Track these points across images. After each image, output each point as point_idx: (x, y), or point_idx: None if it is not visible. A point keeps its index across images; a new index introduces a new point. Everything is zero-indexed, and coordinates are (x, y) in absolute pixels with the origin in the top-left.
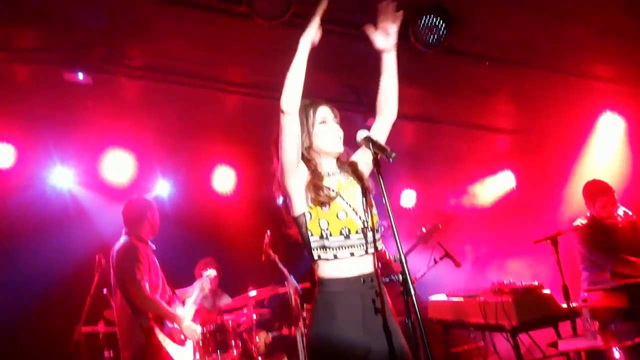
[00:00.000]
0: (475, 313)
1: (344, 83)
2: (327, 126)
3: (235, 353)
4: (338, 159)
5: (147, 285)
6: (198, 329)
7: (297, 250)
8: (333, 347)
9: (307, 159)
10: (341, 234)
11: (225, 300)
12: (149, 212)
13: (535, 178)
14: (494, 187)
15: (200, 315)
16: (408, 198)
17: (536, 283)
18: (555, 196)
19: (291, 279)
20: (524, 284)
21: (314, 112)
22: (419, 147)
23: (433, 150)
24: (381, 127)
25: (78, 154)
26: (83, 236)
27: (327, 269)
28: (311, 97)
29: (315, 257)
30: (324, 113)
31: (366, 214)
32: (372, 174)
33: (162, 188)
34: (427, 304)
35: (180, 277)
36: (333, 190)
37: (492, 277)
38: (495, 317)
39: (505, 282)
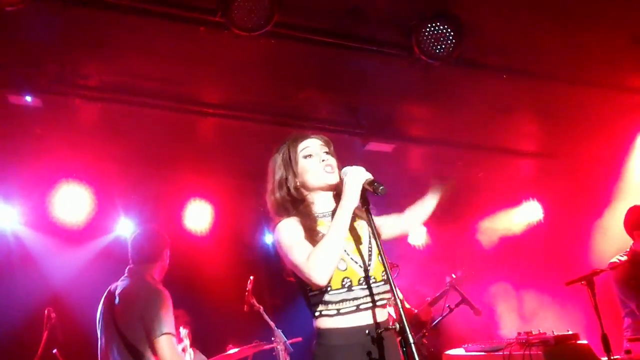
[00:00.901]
0: None
1: (341, 102)
2: (312, 159)
3: None
4: (338, 195)
5: (175, 340)
6: None
7: (285, 299)
8: None
9: (298, 199)
10: (343, 286)
11: None
12: (167, 249)
13: (565, 208)
14: (518, 219)
15: None
16: (417, 235)
17: (570, 332)
18: (589, 229)
19: (279, 334)
20: (555, 333)
21: (295, 149)
22: (429, 174)
23: (445, 178)
24: (394, 225)
25: (24, 189)
26: (29, 286)
27: (328, 321)
28: (295, 133)
29: (317, 314)
30: (306, 145)
31: (370, 262)
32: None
33: (124, 227)
34: None
35: None
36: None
37: (518, 326)
38: None
39: (533, 331)
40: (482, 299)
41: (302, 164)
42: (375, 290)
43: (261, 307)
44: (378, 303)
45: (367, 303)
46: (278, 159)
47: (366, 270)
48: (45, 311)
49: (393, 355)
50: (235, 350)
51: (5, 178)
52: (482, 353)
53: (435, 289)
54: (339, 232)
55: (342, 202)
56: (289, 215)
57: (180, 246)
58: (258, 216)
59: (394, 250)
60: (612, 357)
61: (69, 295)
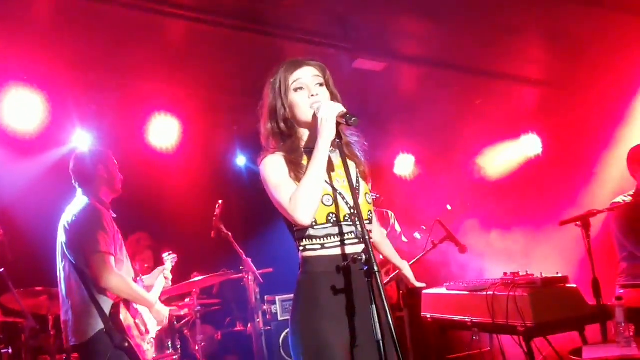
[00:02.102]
0: (481, 310)
1: (327, 12)
2: (302, 93)
3: (172, 353)
4: None
5: (112, 259)
6: (166, 311)
7: (257, 226)
8: (315, 340)
9: (287, 133)
10: (328, 221)
11: None
12: (101, 166)
13: (566, 143)
14: (515, 153)
15: None
16: (404, 165)
17: (559, 275)
18: (591, 166)
19: (249, 263)
20: (543, 275)
21: (286, 79)
22: (422, 99)
23: (439, 104)
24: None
25: None
26: None
27: (312, 254)
28: (291, 59)
29: (301, 248)
30: (300, 76)
31: (357, 199)
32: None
33: (80, 139)
34: (420, 298)
35: None
36: None
37: (504, 266)
38: (505, 316)
39: (520, 272)
40: (469, 236)
41: (292, 97)
42: (361, 227)
43: (230, 234)
44: (355, 241)
45: (352, 238)
46: (270, 88)
47: (351, 208)
48: None
49: (376, 284)
50: (200, 277)
51: None
52: (465, 292)
53: (421, 222)
54: (317, 171)
55: (318, 141)
56: (275, 148)
57: (142, 164)
58: (230, 135)
59: (378, 181)
60: (601, 303)
61: (18, 210)
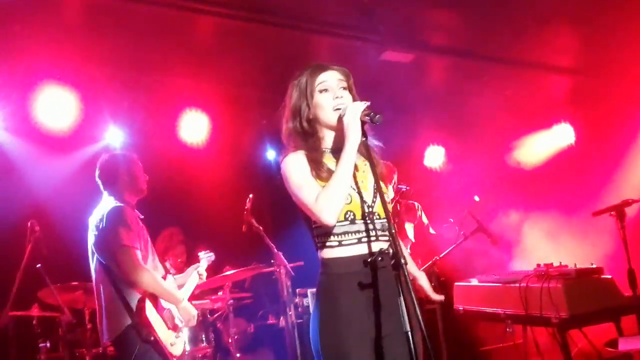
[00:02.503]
0: (514, 302)
1: (354, 4)
2: (327, 95)
3: (206, 347)
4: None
5: (139, 253)
6: (194, 310)
7: (288, 220)
8: (336, 339)
9: (310, 132)
10: (346, 218)
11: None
12: (123, 169)
13: (599, 133)
14: (547, 143)
15: None
16: (434, 156)
17: (594, 266)
18: (624, 156)
19: (280, 257)
20: (578, 266)
21: (312, 81)
22: (452, 90)
23: (470, 95)
24: None
25: (3, 91)
26: (11, 197)
27: (332, 251)
28: (317, 63)
29: (319, 245)
30: (325, 79)
31: (375, 198)
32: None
33: (113, 136)
34: (452, 290)
35: None
36: (330, 169)
37: (537, 257)
38: (539, 308)
39: (554, 264)
40: (501, 228)
41: (317, 98)
42: (378, 226)
43: (261, 228)
44: (381, 238)
45: (369, 237)
46: (295, 86)
47: (370, 206)
48: (29, 224)
49: (390, 283)
50: (232, 271)
51: None
52: (497, 284)
53: (451, 214)
54: (345, 173)
55: (346, 142)
56: (297, 147)
57: (173, 159)
58: (260, 129)
59: (408, 173)
60: (637, 294)
61: (53, 207)
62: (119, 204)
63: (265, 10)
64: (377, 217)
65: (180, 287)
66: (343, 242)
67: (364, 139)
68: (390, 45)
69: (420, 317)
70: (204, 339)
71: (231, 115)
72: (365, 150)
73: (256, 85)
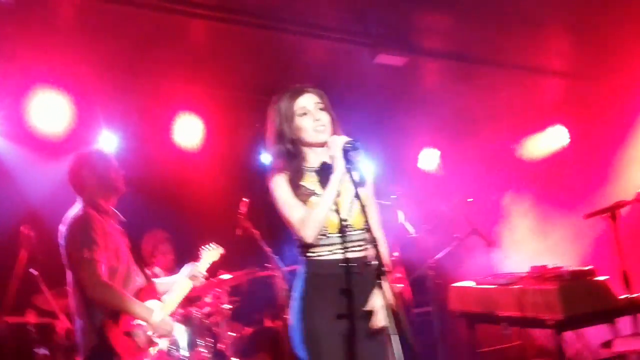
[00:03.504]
0: (510, 304)
1: (347, 7)
2: (307, 118)
3: (203, 351)
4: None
5: (102, 267)
6: (170, 325)
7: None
8: (315, 334)
9: (294, 153)
10: (320, 233)
11: None
12: (88, 171)
13: (593, 135)
14: (541, 145)
15: None
16: (429, 159)
17: (588, 267)
18: (617, 158)
19: (276, 260)
20: (572, 268)
21: (293, 105)
22: (444, 93)
23: (463, 98)
24: None
25: None
26: (4, 201)
27: (311, 257)
28: (293, 87)
29: (300, 253)
30: (304, 103)
31: (350, 212)
32: None
33: (106, 141)
34: (448, 293)
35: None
36: (308, 189)
37: (532, 259)
38: (534, 310)
39: (549, 265)
40: (495, 230)
41: (297, 122)
42: (350, 238)
43: (257, 232)
44: (352, 249)
45: (341, 249)
46: (276, 111)
47: (344, 220)
48: (22, 229)
49: (364, 288)
50: (228, 276)
51: None
52: (493, 286)
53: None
54: (327, 201)
55: (331, 176)
56: (282, 168)
57: (167, 163)
58: (254, 133)
59: (401, 176)
60: (631, 295)
61: (47, 211)
62: (82, 211)
63: (258, 14)
64: (352, 228)
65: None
66: (319, 253)
67: (348, 165)
68: (383, 48)
69: (401, 321)
70: (200, 343)
71: (225, 119)
72: (349, 172)
73: (250, 88)
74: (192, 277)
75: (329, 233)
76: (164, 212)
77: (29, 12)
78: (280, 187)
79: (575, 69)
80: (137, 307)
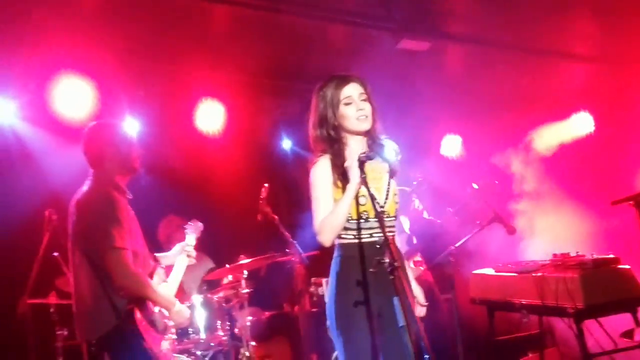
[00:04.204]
0: (531, 292)
1: None
2: (351, 107)
3: (221, 334)
4: (371, 138)
5: (129, 255)
6: (187, 312)
7: (303, 209)
8: (348, 312)
9: (335, 138)
10: (361, 217)
11: (207, 266)
12: (111, 144)
13: (619, 122)
14: (565, 132)
15: None
16: (451, 146)
17: (612, 256)
18: None
19: (295, 246)
20: (595, 256)
21: (339, 93)
22: (468, 79)
23: (486, 83)
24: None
25: (21, 81)
26: (29, 185)
27: (346, 240)
28: (340, 75)
29: (341, 237)
30: (349, 92)
31: (386, 200)
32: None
33: (130, 126)
34: (469, 280)
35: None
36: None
37: (554, 247)
38: (555, 298)
39: (571, 253)
40: (519, 217)
41: (342, 110)
42: (387, 224)
43: (276, 217)
44: (388, 234)
45: (379, 233)
46: (321, 97)
47: (381, 206)
48: (46, 213)
49: (400, 269)
50: (248, 260)
51: None
52: (514, 274)
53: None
54: (344, 208)
55: (348, 185)
56: (323, 151)
57: (190, 148)
58: (275, 118)
59: (424, 162)
60: None
61: (70, 195)
62: (103, 190)
63: None
64: (387, 215)
65: (167, 270)
66: (357, 236)
67: (364, 176)
68: (406, 33)
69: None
70: (219, 326)
71: (247, 105)
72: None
73: (272, 74)
74: (184, 252)
75: (369, 217)
76: (185, 197)
77: None
78: (320, 177)
79: (601, 54)
80: (161, 297)
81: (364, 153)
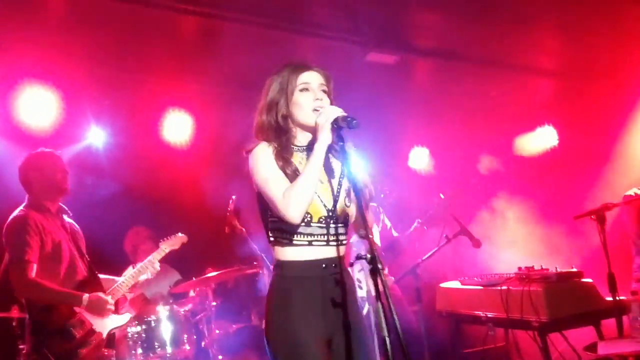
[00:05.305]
0: (496, 305)
1: (339, 5)
2: (307, 95)
3: (187, 348)
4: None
5: (34, 267)
6: (105, 303)
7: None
8: (288, 339)
9: (283, 129)
10: (302, 220)
11: (174, 279)
12: (33, 171)
13: (582, 135)
14: (530, 145)
15: (136, 305)
16: (418, 158)
17: (574, 269)
18: (606, 159)
19: (263, 258)
20: (558, 270)
21: (296, 78)
22: (435, 91)
23: (454, 96)
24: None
25: None
26: None
27: (285, 252)
28: (300, 61)
29: (271, 239)
30: (308, 79)
31: (336, 201)
32: None
33: (95, 136)
34: (435, 293)
35: (116, 254)
36: (294, 165)
37: (518, 260)
38: (520, 311)
39: (535, 267)
40: (482, 230)
41: (296, 97)
42: (333, 231)
43: (244, 230)
44: (332, 242)
45: (321, 241)
46: (275, 81)
47: (330, 210)
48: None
49: (346, 290)
50: (215, 273)
51: None
52: (479, 287)
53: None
54: (313, 172)
55: (316, 143)
56: (267, 140)
57: (156, 159)
58: (243, 129)
59: (392, 175)
60: (617, 298)
61: None
62: (20, 213)
63: (250, 11)
64: (334, 221)
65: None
66: (294, 242)
67: (341, 143)
68: (374, 46)
69: (398, 324)
70: (185, 340)
71: (215, 115)
72: (341, 154)
73: (240, 84)
74: (137, 275)
75: (312, 222)
76: (152, 208)
77: (19, 6)
78: (263, 157)
79: (565, 68)
80: (64, 296)
81: (346, 116)
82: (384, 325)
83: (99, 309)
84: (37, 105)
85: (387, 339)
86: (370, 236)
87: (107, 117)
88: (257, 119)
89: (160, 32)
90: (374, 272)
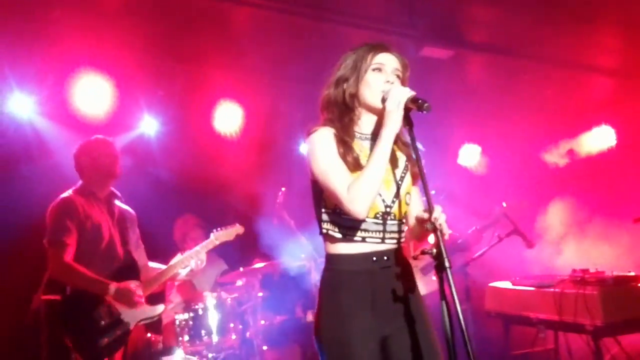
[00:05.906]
0: (548, 307)
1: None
2: (379, 75)
3: (233, 337)
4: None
5: (70, 251)
6: (131, 293)
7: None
8: (338, 333)
9: (348, 107)
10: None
11: (221, 268)
12: (84, 159)
13: None
14: (587, 145)
15: (184, 292)
16: (469, 155)
17: (632, 273)
18: None
19: (310, 250)
20: (615, 273)
21: (372, 57)
22: (489, 88)
23: (508, 94)
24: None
25: (40, 77)
26: (46, 179)
27: (336, 247)
28: (380, 42)
29: (323, 231)
30: (383, 60)
31: (395, 198)
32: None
33: (148, 125)
34: (485, 292)
35: (166, 243)
36: (355, 153)
37: (574, 262)
38: (573, 314)
39: (590, 270)
40: (537, 230)
41: (368, 76)
42: (389, 228)
43: (292, 221)
44: (387, 241)
45: (376, 238)
46: (350, 57)
47: (388, 206)
48: None
49: (403, 284)
50: (262, 264)
51: (19, 64)
52: (531, 288)
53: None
54: (380, 162)
55: (383, 129)
56: (330, 120)
57: (207, 149)
58: (293, 122)
59: (440, 172)
60: None
61: None
62: (64, 196)
63: (303, 2)
64: (392, 218)
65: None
66: (347, 236)
67: (408, 127)
68: (429, 41)
69: (462, 321)
70: (232, 329)
71: (265, 107)
72: (410, 141)
73: (290, 77)
74: (179, 264)
75: (367, 217)
76: (201, 197)
77: None
78: (324, 145)
79: (624, 67)
80: (93, 282)
81: (418, 98)
82: (447, 325)
83: (127, 300)
84: (93, 94)
85: (450, 340)
86: (439, 229)
87: (159, 107)
88: (324, 92)
89: (213, 23)
90: (440, 268)
